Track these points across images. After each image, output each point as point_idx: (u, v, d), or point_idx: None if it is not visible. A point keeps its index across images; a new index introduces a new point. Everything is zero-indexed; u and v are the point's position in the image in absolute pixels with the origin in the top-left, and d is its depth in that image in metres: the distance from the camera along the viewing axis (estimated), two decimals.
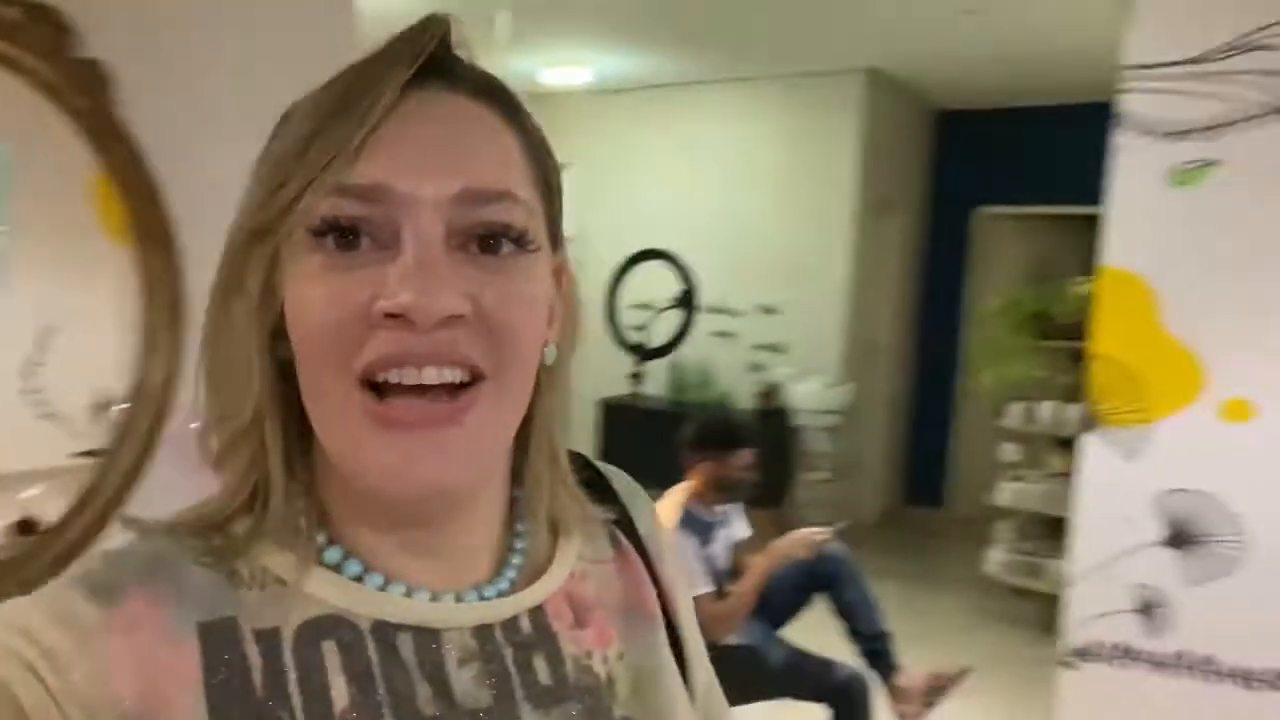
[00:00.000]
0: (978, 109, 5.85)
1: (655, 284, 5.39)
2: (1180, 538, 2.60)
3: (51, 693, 0.44)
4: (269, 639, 0.51)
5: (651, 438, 4.24)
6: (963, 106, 5.91)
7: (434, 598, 0.55)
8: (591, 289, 5.24)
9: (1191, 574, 2.58)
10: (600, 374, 5.33)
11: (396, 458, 0.48)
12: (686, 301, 5.27)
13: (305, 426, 0.52)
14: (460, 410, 0.49)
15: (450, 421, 0.49)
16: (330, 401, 0.50)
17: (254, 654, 0.50)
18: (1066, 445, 3.47)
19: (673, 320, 5.53)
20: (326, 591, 0.53)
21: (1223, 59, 2.52)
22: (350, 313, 0.48)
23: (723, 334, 5.53)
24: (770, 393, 5.29)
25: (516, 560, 0.59)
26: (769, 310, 5.35)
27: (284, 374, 0.51)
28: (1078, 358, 3.38)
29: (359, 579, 0.53)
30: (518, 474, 0.61)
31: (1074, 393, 3.39)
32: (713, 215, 5.50)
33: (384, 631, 0.53)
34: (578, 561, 0.63)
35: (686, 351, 5.60)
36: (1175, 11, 2.61)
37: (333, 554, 0.54)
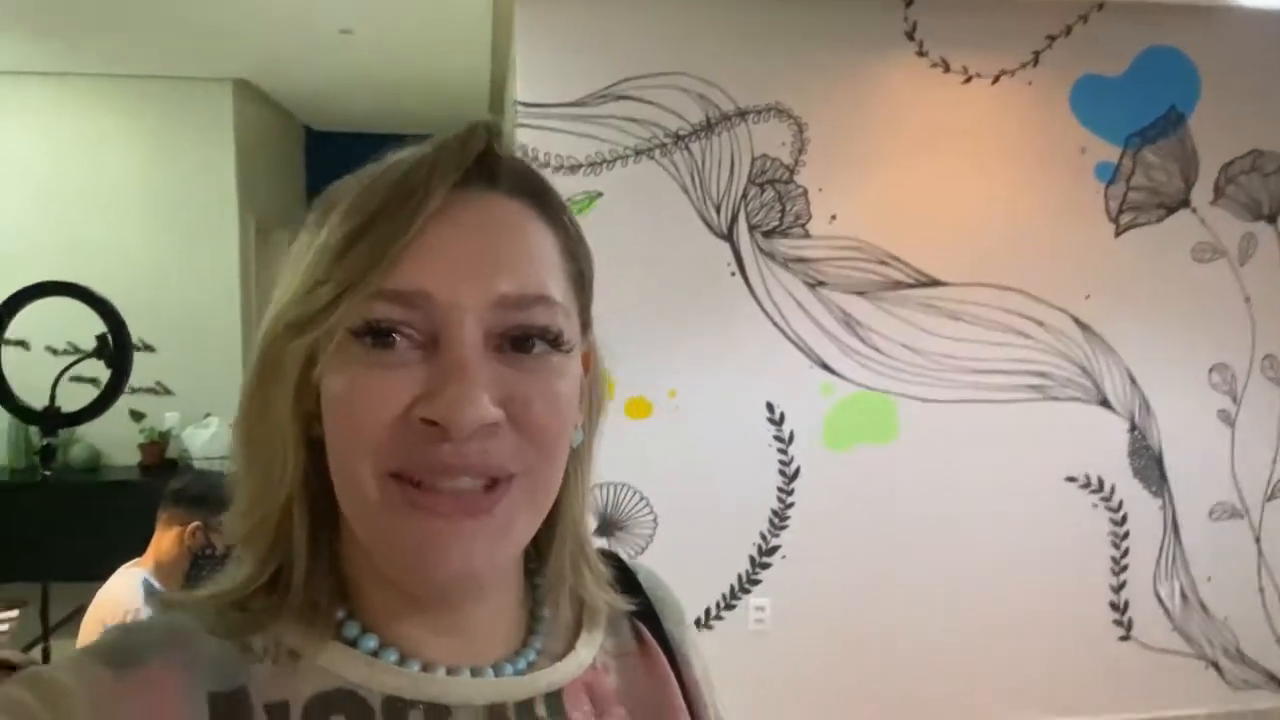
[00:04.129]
0: (349, 131, 5.86)
1: (48, 328, 4.15)
2: (608, 525, 2.94)
3: None
4: (278, 712, 0.51)
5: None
6: (335, 129, 5.86)
7: (450, 673, 0.54)
8: None
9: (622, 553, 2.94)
10: None
11: (424, 545, 0.49)
12: (114, 346, 3.87)
13: (334, 500, 0.52)
14: (492, 502, 0.50)
15: (481, 511, 0.49)
16: (360, 490, 0.49)
17: None
18: None
19: (92, 373, 4.23)
20: (340, 665, 0.53)
21: (599, 104, 2.90)
22: (387, 413, 0.48)
23: (81, 379, 4.56)
24: (160, 443, 4.56)
25: (537, 643, 0.59)
26: (145, 348, 4.58)
27: (315, 449, 0.51)
28: None
29: (375, 654, 0.53)
30: (543, 556, 0.60)
31: None
32: (63, 235, 4.53)
33: (395, 708, 0.53)
34: (601, 653, 0.62)
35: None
36: (556, 58, 2.91)
37: (351, 628, 0.54)
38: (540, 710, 0.56)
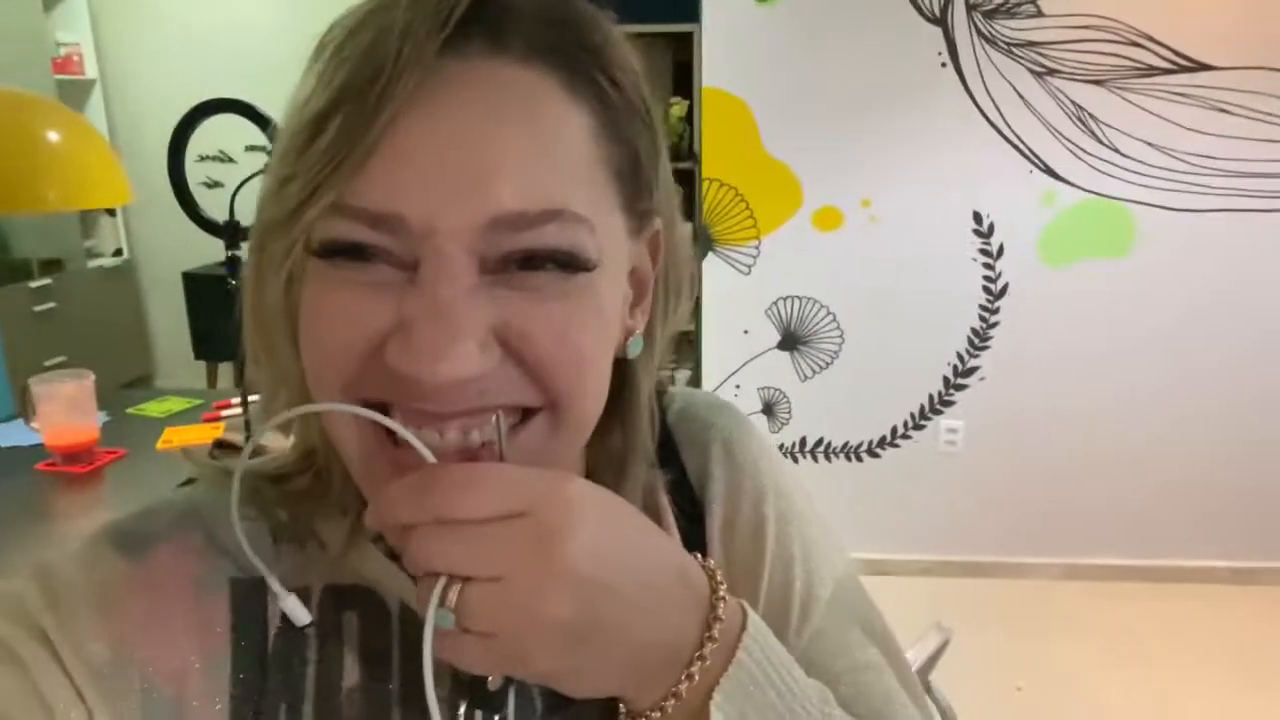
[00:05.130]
0: None
1: (233, 143, 4.63)
2: (791, 340, 2.86)
3: (63, 663, 0.44)
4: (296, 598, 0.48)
5: None
6: None
7: None
8: (145, 152, 4.34)
9: (803, 370, 2.88)
10: (184, 246, 4.60)
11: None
12: None
13: None
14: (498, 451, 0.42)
15: (485, 456, 0.41)
16: (336, 434, 0.43)
17: (276, 614, 0.48)
18: None
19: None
20: (362, 561, 0.49)
21: None
22: (356, 341, 0.40)
23: None
24: None
25: None
26: None
27: None
28: (681, 179, 3.50)
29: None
30: (614, 474, 0.52)
31: (684, 213, 3.51)
32: (282, 49, 4.78)
33: (412, 616, 0.49)
34: None
35: None
36: None
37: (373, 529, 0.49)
38: None
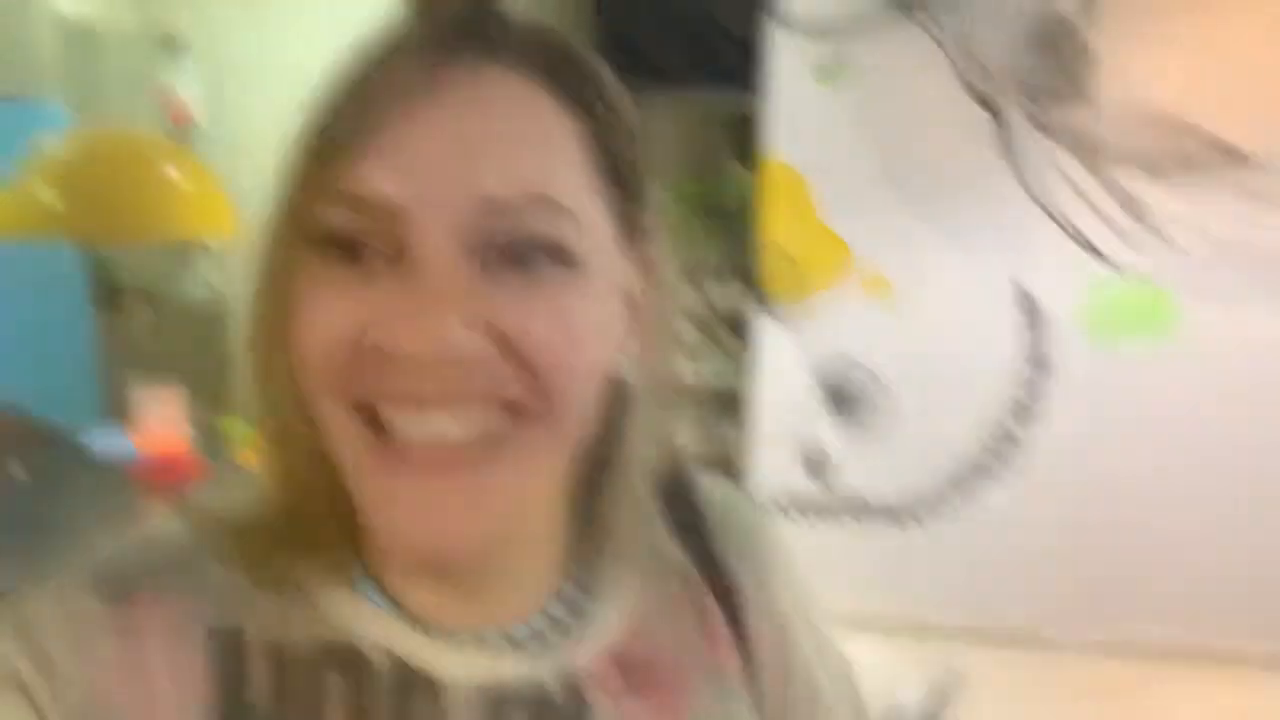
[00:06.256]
0: None
1: None
2: (837, 403, 2.95)
3: (38, 708, 0.43)
4: (276, 655, 0.46)
5: None
6: None
7: (451, 640, 0.48)
8: (240, 199, 4.66)
9: (847, 433, 2.95)
10: None
11: (402, 510, 0.41)
12: None
13: None
14: (487, 450, 0.42)
15: (472, 463, 0.42)
16: (331, 431, 0.43)
17: (258, 670, 0.46)
18: (734, 324, 3.74)
19: None
20: (342, 610, 0.48)
21: None
22: (343, 334, 0.41)
23: None
24: None
25: (557, 607, 0.51)
26: None
27: None
28: (744, 242, 3.63)
29: (374, 603, 0.48)
30: (593, 507, 0.52)
31: (742, 275, 3.63)
32: None
33: (400, 674, 0.47)
34: (642, 604, 0.53)
35: None
36: None
37: (354, 570, 0.49)
38: (556, 696, 0.48)
